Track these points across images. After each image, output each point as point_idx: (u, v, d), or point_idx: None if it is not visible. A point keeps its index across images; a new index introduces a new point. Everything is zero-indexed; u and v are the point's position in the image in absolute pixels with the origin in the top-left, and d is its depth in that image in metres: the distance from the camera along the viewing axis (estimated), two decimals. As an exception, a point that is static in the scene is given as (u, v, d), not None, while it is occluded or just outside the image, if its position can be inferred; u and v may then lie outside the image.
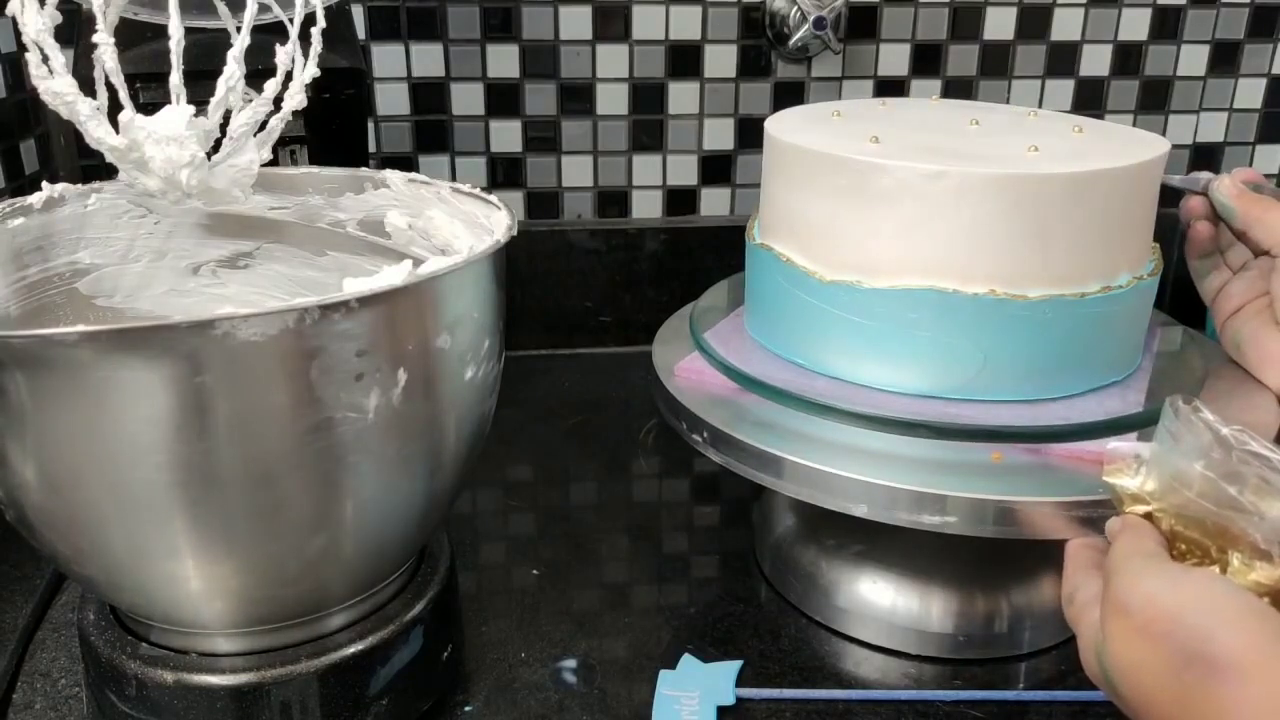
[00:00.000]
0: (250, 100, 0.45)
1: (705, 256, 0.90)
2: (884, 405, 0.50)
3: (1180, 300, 0.68)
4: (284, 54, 0.44)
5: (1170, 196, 0.56)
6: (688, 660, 0.52)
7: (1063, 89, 0.92)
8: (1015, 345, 0.50)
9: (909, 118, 0.60)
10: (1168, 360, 0.57)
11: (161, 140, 0.42)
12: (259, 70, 0.44)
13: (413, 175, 0.52)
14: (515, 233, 0.44)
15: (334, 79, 0.59)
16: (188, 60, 0.43)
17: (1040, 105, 0.88)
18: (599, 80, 0.87)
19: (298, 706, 0.42)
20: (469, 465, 0.46)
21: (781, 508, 0.61)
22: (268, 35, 0.44)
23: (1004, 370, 0.50)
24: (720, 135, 0.90)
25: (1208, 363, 0.56)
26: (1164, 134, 0.84)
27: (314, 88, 0.46)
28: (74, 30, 0.54)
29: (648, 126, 0.89)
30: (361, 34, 0.82)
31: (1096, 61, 0.91)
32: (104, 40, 0.41)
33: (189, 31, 0.43)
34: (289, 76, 0.45)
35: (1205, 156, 0.96)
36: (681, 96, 0.88)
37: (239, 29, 0.43)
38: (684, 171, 0.91)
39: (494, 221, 0.47)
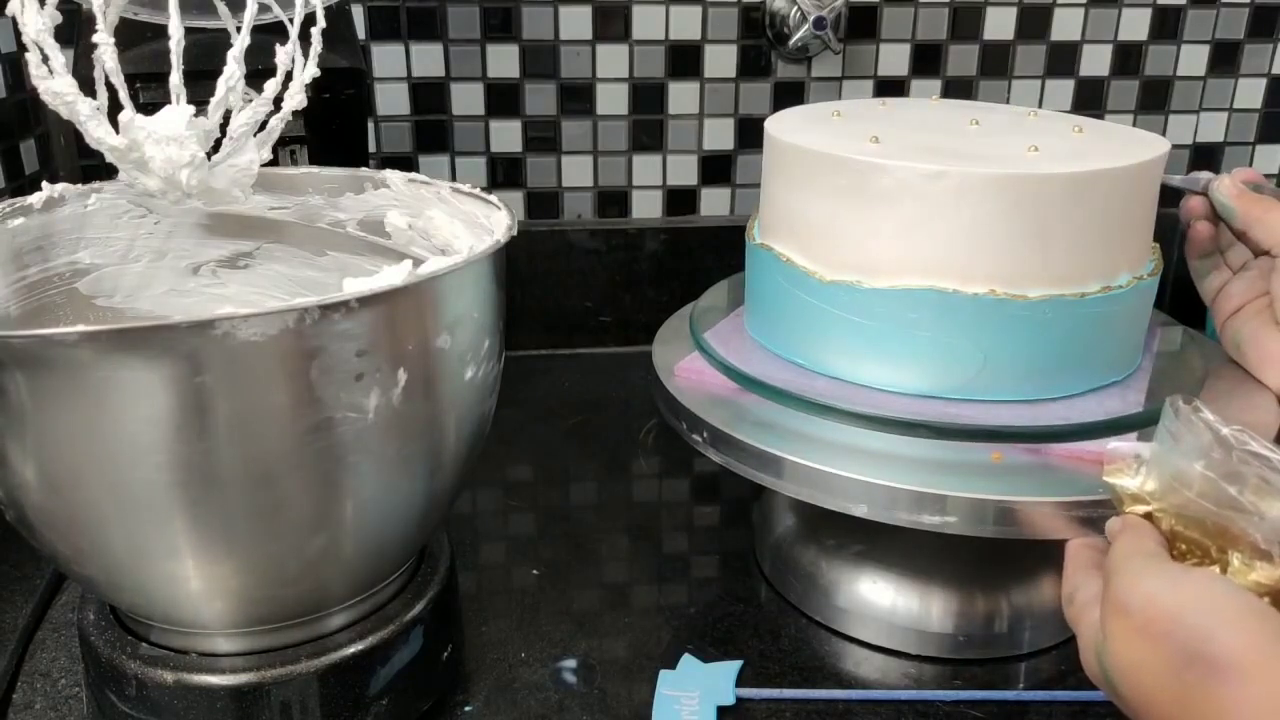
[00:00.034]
0: (250, 100, 0.45)
1: (705, 256, 0.90)
2: (884, 405, 0.50)
3: (1180, 300, 0.68)
4: (284, 54, 0.44)
5: (1170, 196, 0.56)
6: (688, 660, 0.52)
7: (1063, 89, 0.92)
8: (1015, 345, 0.50)
9: (909, 118, 0.60)
10: (1168, 360, 0.57)
11: (161, 140, 0.42)
12: (259, 70, 0.44)
13: (413, 175, 0.52)
14: (515, 233, 0.44)
15: (334, 79, 0.59)
16: (188, 60, 0.43)
17: (1040, 105, 0.88)
18: (599, 80, 0.87)
19: (298, 706, 0.42)
20: (469, 465, 0.46)
21: (781, 508, 0.61)
22: (268, 35, 0.44)
23: (1004, 370, 0.50)
24: (720, 135, 0.90)
25: (1208, 363, 0.56)
26: (1164, 134, 0.84)
27: (314, 88, 0.46)
28: (74, 30, 0.54)
29: (648, 126, 0.89)
30: (361, 34, 0.82)
31: (1096, 61, 0.91)
32: (104, 40, 0.41)
33: (189, 31, 0.43)
34: (289, 76, 0.45)
35: (1205, 156, 0.96)
36: (681, 96, 0.88)
37: (239, 29, 0.43)
38: (684, 171, 0.91)
39: (494, 221, 0.47)
